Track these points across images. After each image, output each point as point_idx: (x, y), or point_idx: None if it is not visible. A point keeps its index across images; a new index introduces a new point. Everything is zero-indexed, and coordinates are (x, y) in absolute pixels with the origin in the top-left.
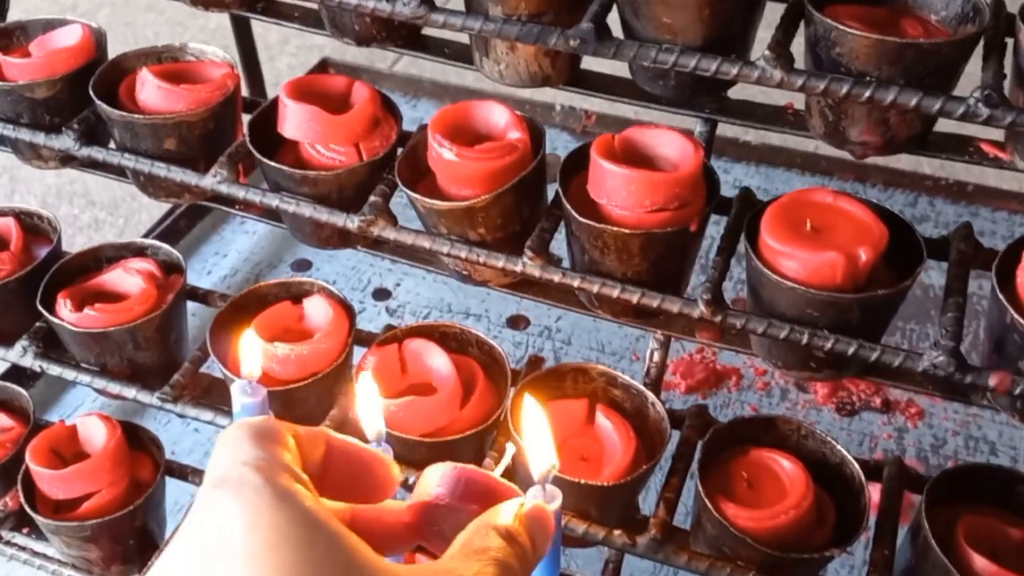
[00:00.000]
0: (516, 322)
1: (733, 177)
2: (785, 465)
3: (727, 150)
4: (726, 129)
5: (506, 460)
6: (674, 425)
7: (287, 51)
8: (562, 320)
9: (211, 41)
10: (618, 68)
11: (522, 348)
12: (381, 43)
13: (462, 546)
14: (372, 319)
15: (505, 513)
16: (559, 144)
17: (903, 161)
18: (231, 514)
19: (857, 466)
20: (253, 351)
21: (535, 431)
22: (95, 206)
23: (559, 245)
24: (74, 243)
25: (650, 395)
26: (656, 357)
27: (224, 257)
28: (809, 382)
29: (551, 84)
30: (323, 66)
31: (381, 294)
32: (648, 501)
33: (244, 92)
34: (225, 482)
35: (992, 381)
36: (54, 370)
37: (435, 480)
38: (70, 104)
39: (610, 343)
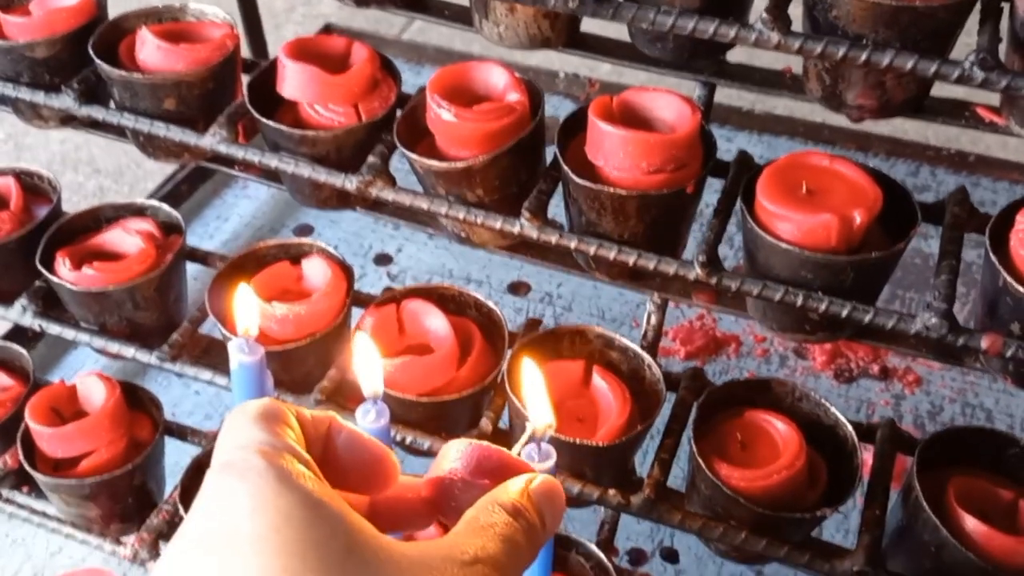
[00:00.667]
0: (517, 288)
1: (736, 146)
2: (779, 426)
3: (731, 119)
4: (731, 99)
5: (524, 438)
6: (670, 387)
7: (292, 19)
8: (563, 287)
9: (215, 4)
10: (618, 31)
11: (523, 314)
12: (381, 4)
13: (468, 522)
14: (373, 284)
15: (512, 488)
16: (562, 112)
17: (905, 131)
18: (236, 498)
19: (850, 428)
20: (248, 308)
21: (533, 391)
22: (100, 174)
23: (559, 209)
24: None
25: (647, 357)
26: (653, 320)
27: (226, 221)
28: (808, 349)
29: (550, 46)
30: (327, 32)
31: (383, 259)
32: (645, 464)
33: (247, 54)
34: (230, 466)
35: (984, 343)
36: (53, 329)
37: (451, 456)
38: (70, 63)
39: (611, 309)
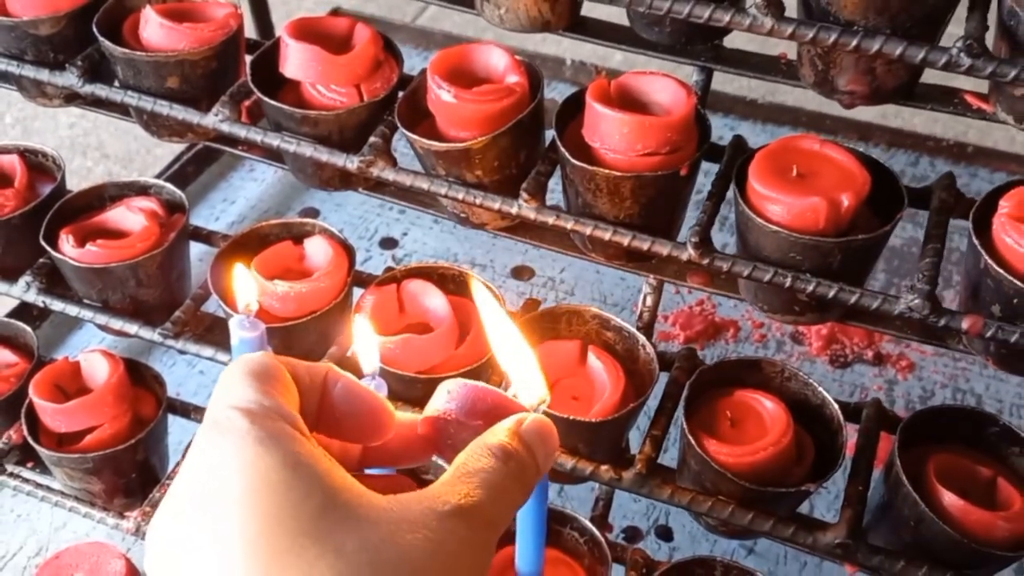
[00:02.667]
0: (521, 272)
1: (739, 134)
2: (767, 405)
3: (735, 108)
4: (737, 89)
5: (515, 379)
6: (664, 367)
7: (304, 6)
8: (566, 271)
9: None
10: (619, 15)
11: (526, 297)
12: None
13: (455, 469)
14: (378, 267)
15: (501, 430)
16: None
17: (906, 122)
18: (220, 458)
19: (836, 407)
20: (247, 285)
21: (526, 360)
22: (109, 159)
23: (559, 191)
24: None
25: (641, 337)
26: (649, 301)
27: (232, 204)
28: (804, 335)
29: (550, 29)
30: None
31: (388, 243)
32: (640, 441)
33: (254, 37)
34: (216, 425)
35: (965, 324)
36: (57, 306)
37: (445, 395)
38: (75, 41)
39: (612, 294)
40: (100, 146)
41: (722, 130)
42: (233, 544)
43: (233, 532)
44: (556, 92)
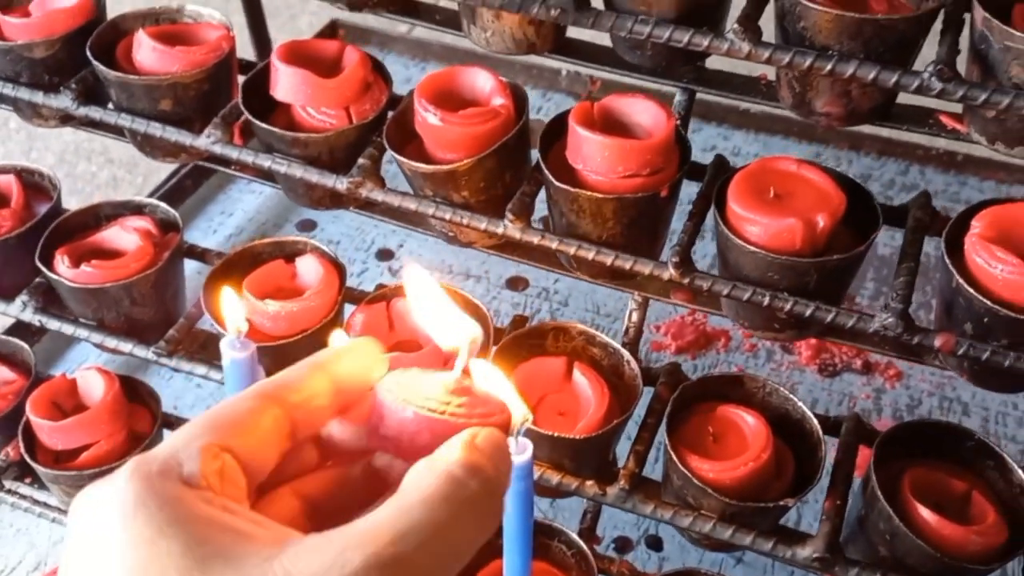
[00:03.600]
0: (515, 283)
1: (733, 144)
2: (748, 420)
3: (728, 118)
4: (729, 98)
5: (463, 354)
6: (649, 382)
7: (308, 9)
8: (560, 282)
9: (223, 2)
10: (603, 37)
11: (520, 308)
12: (373, 8)
13: (396, 498)
14: (375, 279)
15: (454, 446)
16: (564, 108)
17: (897, 131)
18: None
19: (816, 422)
20: (234, 307)
21: (503, 384)
22: (113, 164)
23: (545, 210)
24: (92, 200)
25: (626, 353)
26: (635, 317)
27: (230, 216)
28: (794, 344)
29: (536, 51)
30: (333, 27)
31: (384, 255)
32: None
33: (251, 54)
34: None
35: (938, 342)
36: (53, 325)
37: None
38: (69, 64)
39: (605, 305)
40: (104, 151)
41: (716, 139)
42: None
43: None
44: (552, 103)
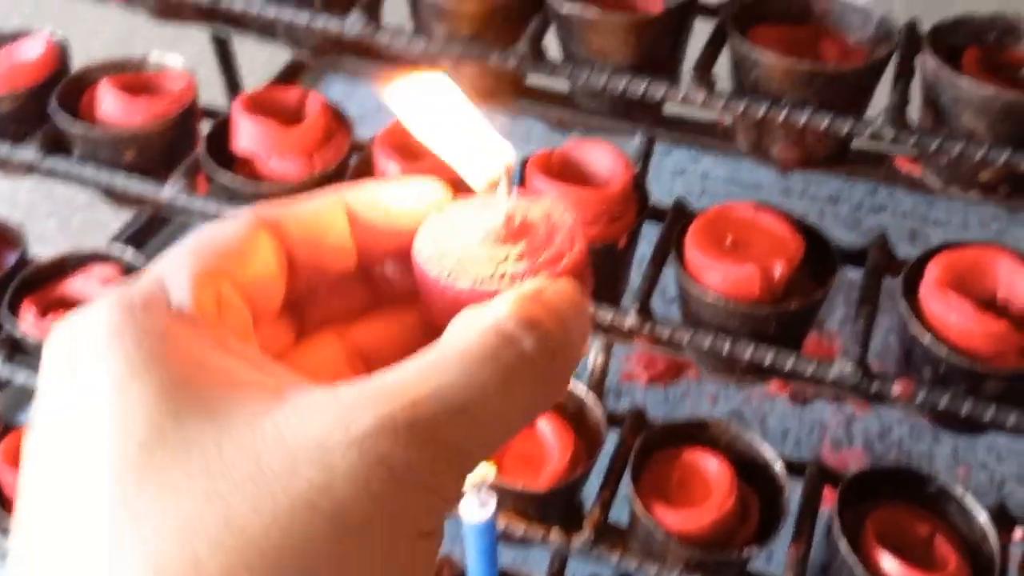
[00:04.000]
0: None
1: (703, 168)
2: (711, 466)
3: (699, 140)
4: (703, 116)
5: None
6: (616, 423)
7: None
8: None
9: (200, 40)
10: (563, 83)
11: None
12: (337, 56)
13: (434, 349)
14: None
15: (507, 301)
16: (534, 135)
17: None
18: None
19: (780, 465)
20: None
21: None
22: (83, 209)
23: None
24: (72, 222)
25: (590, 397)
26: (599, 360)
27: None
28: None
29: (496, 101)
30: (293, 69)
31: None
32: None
33: (223, 96)
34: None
35: (896, 390)
36: (19, 377)
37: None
38: (35, 116)
39: None
40: (74, 195)
41: (685, 162)
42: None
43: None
44: (522, 128)
